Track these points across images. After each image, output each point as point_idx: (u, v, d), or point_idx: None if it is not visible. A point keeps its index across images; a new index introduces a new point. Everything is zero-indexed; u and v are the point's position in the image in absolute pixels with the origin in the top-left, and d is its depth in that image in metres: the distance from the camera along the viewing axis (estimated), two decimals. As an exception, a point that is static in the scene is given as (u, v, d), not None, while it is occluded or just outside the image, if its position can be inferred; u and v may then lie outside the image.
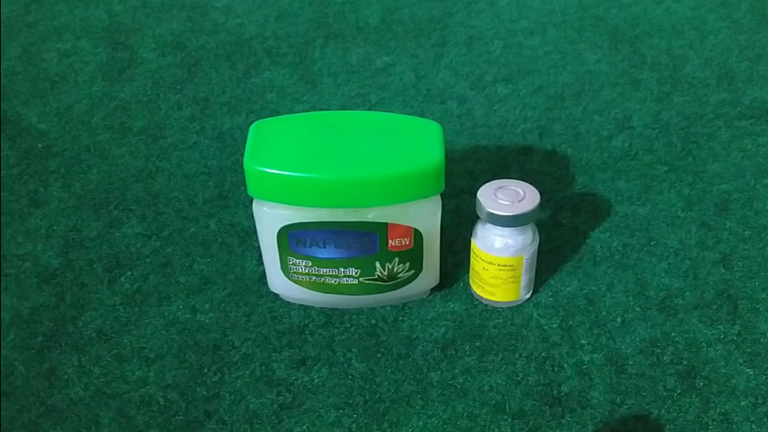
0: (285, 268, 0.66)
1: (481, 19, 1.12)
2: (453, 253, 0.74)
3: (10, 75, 1.03)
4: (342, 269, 0.64)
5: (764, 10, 1.14)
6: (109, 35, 1.11)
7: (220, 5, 1.17)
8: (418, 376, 0.63)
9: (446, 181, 0.84)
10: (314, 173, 0.59)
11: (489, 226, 0.66)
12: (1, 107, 0.97)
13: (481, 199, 0.66)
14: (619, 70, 1.01)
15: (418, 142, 0.62)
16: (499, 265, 0.66)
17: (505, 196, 0.65)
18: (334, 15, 1.14)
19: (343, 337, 0.67)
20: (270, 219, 0.62)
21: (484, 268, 0.67)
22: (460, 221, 0.78)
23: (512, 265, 0.66)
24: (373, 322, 0.68)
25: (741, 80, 0.99)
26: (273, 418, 0.61)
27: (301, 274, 0.66)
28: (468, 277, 0.71)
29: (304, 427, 0.60)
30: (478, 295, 0.69)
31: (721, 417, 0.59)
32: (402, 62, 1.04)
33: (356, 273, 0.65)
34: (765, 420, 0.58)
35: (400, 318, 0.68)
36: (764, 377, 0.62)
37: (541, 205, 0.66)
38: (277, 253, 0.64)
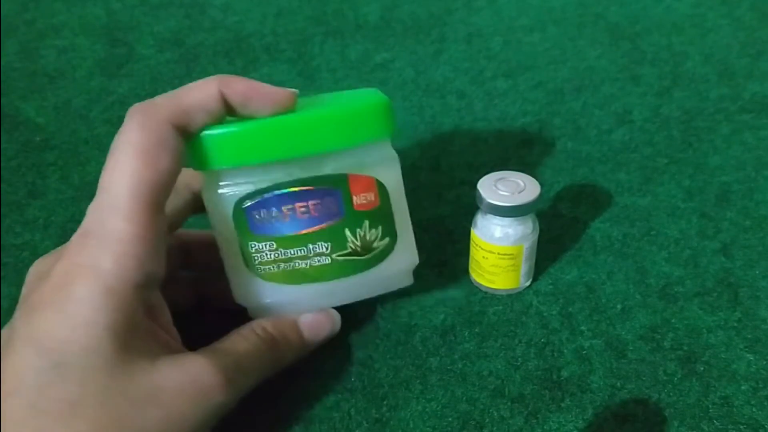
0: (248, 259, 0.60)
1: (481, 16, 1.13)
2: (453, 242, 0.74)
3: (8, 71, 1.03)
4: (311, 246, 0.60)
5: (764, 8, 1.14)
6: (107, 32, 1.11)
7: (219, 3, 1.17)
8: (417, 361, 0.62)
9: (446, 172, 0.84)
10: (266, 121, 0.56)
11: (489, 216, 0.66)
12: (-1, 101, 0.97)
13: (481, 191, 0.65)
14: (619, 66, 1.01)
15: (362, 94, 0.62)
16: (498, 254, 0.66)
17: (506, 187, 0.65)
18: (333, 12, 1.14)
19: (342, 324, 0.66)
20: (225, 198, 0.57)
21: (483, 257, 0.67)
22: (460, 211, 0.78)
23: (512, 254, 0.66)
24: (372, 308, 0.67)
25: (741, 76, 0.99)
26: (272, 402, 0.60)
27: (267, 263, 0.59)
28: (468, 266, 0.71)
29: (303, 411, 0.59)
30: (478, 283, 0.69)
31: (722, 401, 0.58)
32: (401, 58, 1.04)
33: (327, 249, 0.60)
34: (765, 403, 0.58)
35: (399, 305, 0.68)
36: (765, 362, 0.61)
37: (541, 196, 0.66)
38: (237, 242, 0.59)
